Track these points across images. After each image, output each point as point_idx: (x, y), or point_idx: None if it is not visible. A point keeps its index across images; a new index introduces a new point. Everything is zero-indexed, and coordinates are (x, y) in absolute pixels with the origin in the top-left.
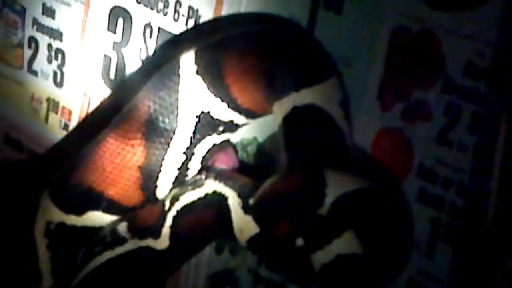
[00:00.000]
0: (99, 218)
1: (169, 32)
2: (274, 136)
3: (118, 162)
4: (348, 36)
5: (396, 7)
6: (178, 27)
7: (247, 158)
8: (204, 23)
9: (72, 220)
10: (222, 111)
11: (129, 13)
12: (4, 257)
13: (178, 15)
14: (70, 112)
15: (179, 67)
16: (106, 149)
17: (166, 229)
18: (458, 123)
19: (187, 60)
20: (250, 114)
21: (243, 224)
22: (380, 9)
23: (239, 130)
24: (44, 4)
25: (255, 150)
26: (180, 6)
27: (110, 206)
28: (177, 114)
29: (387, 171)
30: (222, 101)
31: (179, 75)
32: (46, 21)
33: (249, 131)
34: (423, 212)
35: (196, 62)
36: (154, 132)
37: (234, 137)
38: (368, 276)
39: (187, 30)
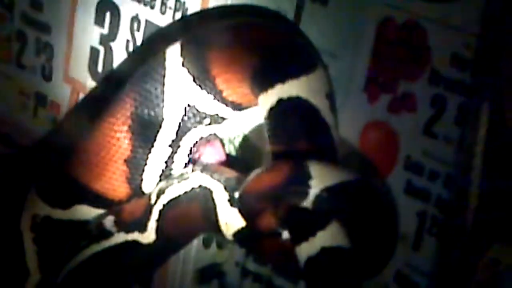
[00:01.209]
0: (85, 211)
1: (157, 25)
2: (260, 129)
3: (104, 155)
4: (334, 28)
5: None
6: (165, 20)
7: (234, 151)
8: (190, 15)
9: (58, 213)
10: (208, 104)
11: (116, 6)
12: None
13: (165, 8)
14: (58, 106)
15: (164, 59)
16: (91, 142)
17: (152, 223)
18: (444, 115)
19: (173, 52)
20: (236, 106)
21: (229, 217)
22: (366, 0)
23: (226, 123)
24: None
25: (241, 143)
26: None
27: (96, 199)
28: (163, 107)
29: (372, 163)
30: (208, 93)
31: (164, 68)
32: (34, 14)
33: (236, 124)
34: (410, 204)
35: (181, 55)
36: (140, 125)
37: (221, 130)
38: (353, 269)
39: (173, 22)
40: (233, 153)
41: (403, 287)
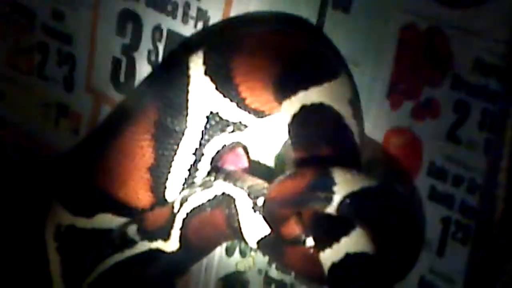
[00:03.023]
0: (108, 220)
1: (179, 35)
2: (284, 136)
3: (127, 164)
4: (356, 35)
5: (404, 4)
6: (187, 29)
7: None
8: (213, 24)
9: (82, 222)
10: (231, 111)
11: (138, 16)
12: (15, 260)
13: (187, 17)
14: (79, 117)
15: (188, 68)
16: (115, 150)
17: (175, 231)
18: (468, 120)
19: (196, 60)
20: (259, 113)
21: (253, 224)
22: (388, 7)
23: (249, 130)
24: (53, 8)
25: (265, 150)
26: (189, 8)
27: (119, 208)
28: (186, 115)
29: (398, 168)
30: (231, 101)
31: (188, 76)
32: (56, 25)
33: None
34: (433, 210)
35: (204, 63)
36: (163, 133)
37: (244, 137)
38: (378, 275)
39: (196, 31)
40: (256, 160)
41: None
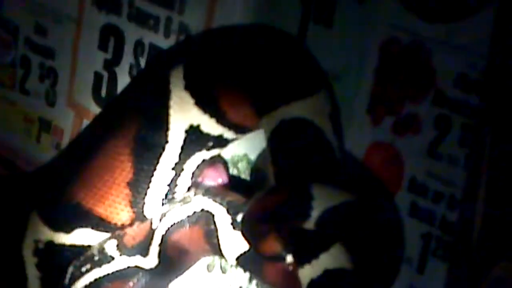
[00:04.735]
0: (88, 235)
1: (161, 49)
2: (263, 151)
3: (107, 178)
4: (338, 49)
5: (386, 19)
6: (169, 43)
7: (238, 174)
8: (193, 36)
9: (61, 238)
10: (211, 126)
11: (120, 30)
12: None
13: (169, 31)
14: (62, 131)
15: (168, 82)
16: (95, 165)
17: (154, 247)
18: (449, 135)
19: (176, 75)
20: (239, 129)
21: (232, 241)
22: (370, 21)
23: (229, 146)
24: (36, 23)
25: (246, 166)
26: (171, 22)
27: (99, 223)
28: (167, 130)
29: (381, 182)
30: (211, 116)
31: (168, 90)
32: (39, 39)
33: (240, 148)
34: (414, 226)
35: (184, 77)
36: (143, 148)
37: (225, 153)
38: None
39: (176, 44)
40: (236, 175)
41: None
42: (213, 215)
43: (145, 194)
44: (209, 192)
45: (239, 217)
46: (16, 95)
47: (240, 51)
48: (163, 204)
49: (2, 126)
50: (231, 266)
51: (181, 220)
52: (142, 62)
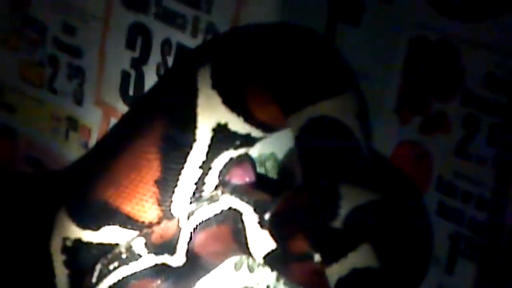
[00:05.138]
0: (115, 233)
1: (188, 48)
2: (291, 150)
3: (134, 177)
4: (366, 48)
5: (414, 18)
6: (196, 43)
7: (266, 173)
8: (221, 35)
9: (89, 236)
10: (238, 125)
11: (148, 29)
12: (20, 274)
13: (197, 31)
14: (89, 130)
15: (195, 80)
16: (122, 163)
17: (182, 246)
18: (477, 135)
19: (204, 74)
20: (267, 127)
21: (259, 239)
22: (398, 20)
23: (257, 145)
24: (64, 22)
25: (273, 165)
26: (199, 21)
27: (126, 221)
28: (194, 128)
29: (409, 181)
30: (238, 114)
31: (196, 89)
32: (66, 39)
33: (267, 147)
34: (442, 226)
35: (212, 76)
36: (171, 146)
37: (252, 152)
38: None
39: (204, 43)
40: (264, 174)
41: None
42: (240, 214)
43: (173, 192)
44: (236, 191)
45: (267, 216)
46: (44, 94)
47: (267, 49)
48: (190, 203)
49: (30, 125)
50: (259, 265)
51: (208, 219)
52: (170, 61)
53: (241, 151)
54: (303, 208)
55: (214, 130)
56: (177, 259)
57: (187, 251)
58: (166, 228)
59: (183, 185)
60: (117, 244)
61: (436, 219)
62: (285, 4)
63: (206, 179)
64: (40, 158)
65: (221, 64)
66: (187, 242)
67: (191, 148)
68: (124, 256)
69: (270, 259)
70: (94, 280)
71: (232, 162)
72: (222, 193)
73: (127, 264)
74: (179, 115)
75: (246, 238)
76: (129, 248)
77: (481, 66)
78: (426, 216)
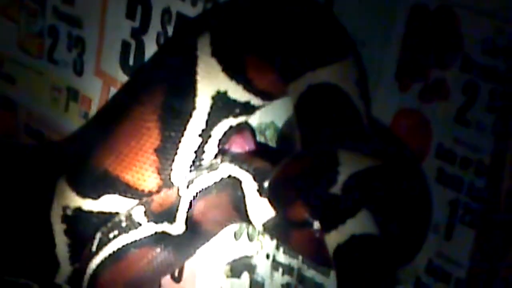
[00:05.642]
0: (115, 202)
1: (188, 17)
2: (290, 117)
3: (134, 145)
4: (365, 15)
5: None
6: (196, 12)
7: (265, 142)
8: (221, 4)
9: (89, 204)
10: (238, 93)
11: None
12: (21, 243)
13: (196, 0)
14: (89, 101)
15: (195, 48)
16: (121, 132)
17: (181, 214)
18: (477, 102)
19: (203, 41)
20: (266, 95)
21: (258, 207)
22: None
23: (256, 113)
24: None
25: (273, 134)
26: None
27: (126, 189)
28: (194, 96)
29: (407, 147)
30: (238, 82)
31: (195, 57)
32: (66, 8)
33: (267, 115)
34: (441, 193)
35: (211, 43)
36: (170, 114)
37: (252, 121)
38: (384, 257)
39: (203, 12)
40: (263, 143)
41: (435, 277)
42: (240, 182)
43: (172, 160)
44: (236, 159)
45: (266, 184)
46: (44, 64)
47: (266, 17)
48: (190, 171)
49: (30, 96)
50: (258, 233)
51: (208, 187)
52: (170, 30)
53: (241, 119)
54: (302, 175)
55: (213, 98)
56: (177, 228)
57: (187, 219)
58: (165, 197)
59: (183, 153)
60: (117, 213)
61: (436, 186)
62: None
63: (206, 148)
64: (40, 129)
65: (220, 32)
66: (186, 211)
67: (190, 116)
68: (124, 224)
69: (270, 227)
70: (94, 248)
71: (231, 131)
72: (222, 161)
73: (127, 232)
74: (178, 83)
75: (245, 206)
76: (129, 217)
77: (480, 33)
78: (424, 183)
